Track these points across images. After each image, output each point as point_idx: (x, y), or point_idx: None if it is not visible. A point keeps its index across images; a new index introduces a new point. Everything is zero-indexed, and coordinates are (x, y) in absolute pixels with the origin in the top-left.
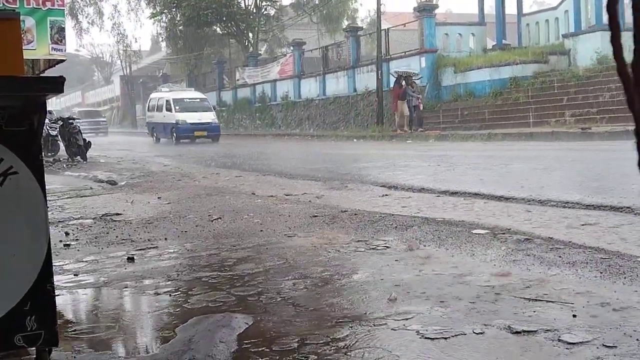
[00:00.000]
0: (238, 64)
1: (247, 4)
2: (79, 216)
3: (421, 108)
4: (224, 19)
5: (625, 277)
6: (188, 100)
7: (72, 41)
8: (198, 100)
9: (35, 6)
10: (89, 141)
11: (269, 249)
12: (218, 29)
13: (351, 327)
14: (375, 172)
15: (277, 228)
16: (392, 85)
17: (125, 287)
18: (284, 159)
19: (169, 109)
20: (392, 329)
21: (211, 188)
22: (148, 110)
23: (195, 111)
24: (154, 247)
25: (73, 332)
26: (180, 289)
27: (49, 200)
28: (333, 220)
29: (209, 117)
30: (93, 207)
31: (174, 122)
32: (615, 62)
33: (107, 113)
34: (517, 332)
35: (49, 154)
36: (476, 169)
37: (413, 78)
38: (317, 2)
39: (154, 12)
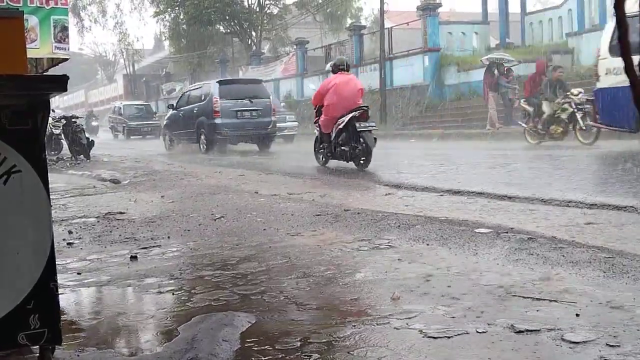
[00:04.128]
0: (241, 62)
1: (250, 3)
2: (82, 215)
3: (516, 104)
4: (227, 17)
5: (628, 276)
6: None
7: (75, 40)
8: None
9: (38, 5)
10: (92, 140)
11: (272, 247)
12: (221, 28)
13: (354, 326)
14: (379, 171)
15: (280, 227)
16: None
17: (128, 286)
18: (286, 158)
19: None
20: (395, 328)
21: (214, 186)
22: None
23: None
24: (157, 246)
25: (76, 331)
26: (183, 288)
27: (52, 199)
28: (336, 219)
29: None
30: (96, 205)
31: None
32: (623, 61)
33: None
34: (520, 332)
35: (52, 152)
36: (479, 168)
37: (506, 65)
38: (320, 1)
39: (157, 10)
